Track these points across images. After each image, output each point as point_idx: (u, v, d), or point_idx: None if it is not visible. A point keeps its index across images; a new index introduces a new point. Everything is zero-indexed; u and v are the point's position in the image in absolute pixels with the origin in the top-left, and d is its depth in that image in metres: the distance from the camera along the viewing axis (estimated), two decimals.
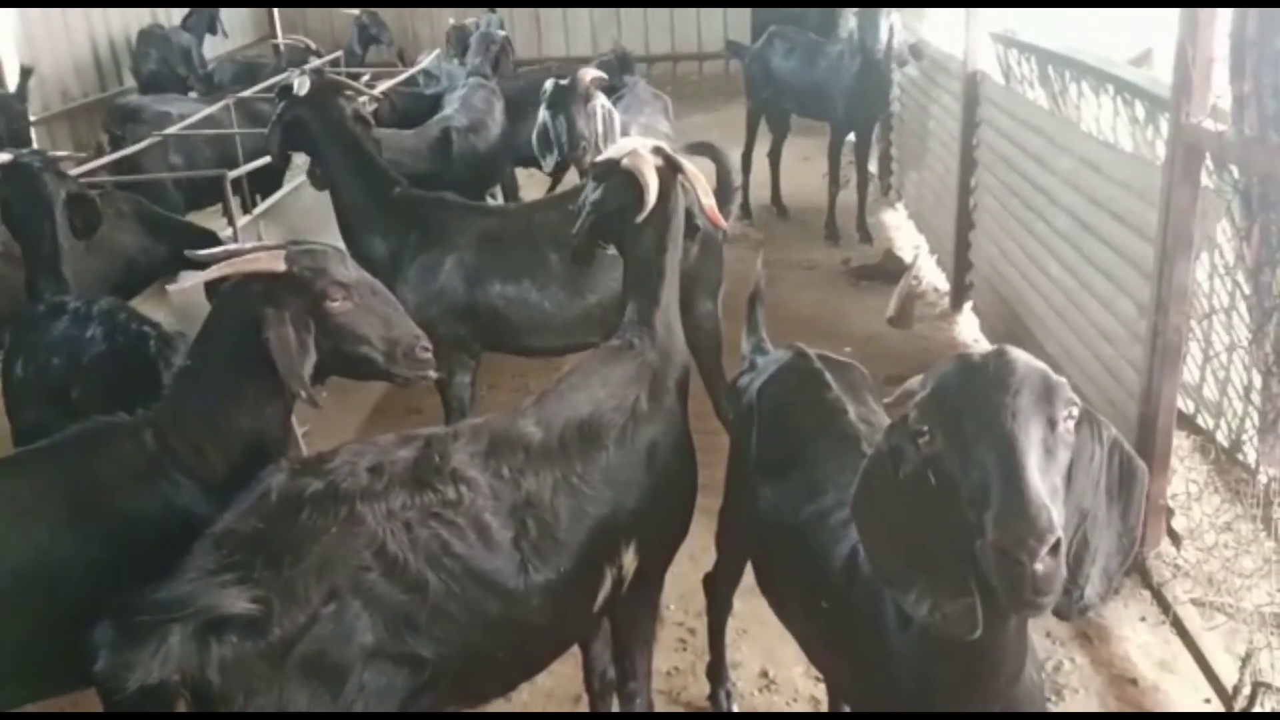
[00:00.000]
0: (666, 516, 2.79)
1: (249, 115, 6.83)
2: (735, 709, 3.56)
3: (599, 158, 3.13)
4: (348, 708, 2.16)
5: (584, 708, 3.51)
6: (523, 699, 3.62)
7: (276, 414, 2.60)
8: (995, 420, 1.70)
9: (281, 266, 2.47)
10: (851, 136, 8.22)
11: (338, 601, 2.13)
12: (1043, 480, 1.65)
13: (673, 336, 2.89)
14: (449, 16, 10.07)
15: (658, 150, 2.97)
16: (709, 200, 2.96)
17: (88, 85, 10.48)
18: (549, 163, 5.06)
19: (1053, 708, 3.58)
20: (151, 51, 9.55)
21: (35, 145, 8.78)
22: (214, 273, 2.47)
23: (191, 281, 2.56)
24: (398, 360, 2.63)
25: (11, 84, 8.66)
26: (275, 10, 13.85)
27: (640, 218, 2.88)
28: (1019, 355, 1.80)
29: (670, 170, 2.92)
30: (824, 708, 3.55)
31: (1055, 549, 1.61)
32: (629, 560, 2.64)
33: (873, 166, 8.70)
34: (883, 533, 1.92)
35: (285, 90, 4.33)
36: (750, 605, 3.82)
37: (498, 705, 2.92)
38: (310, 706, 2.12)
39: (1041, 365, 1.79)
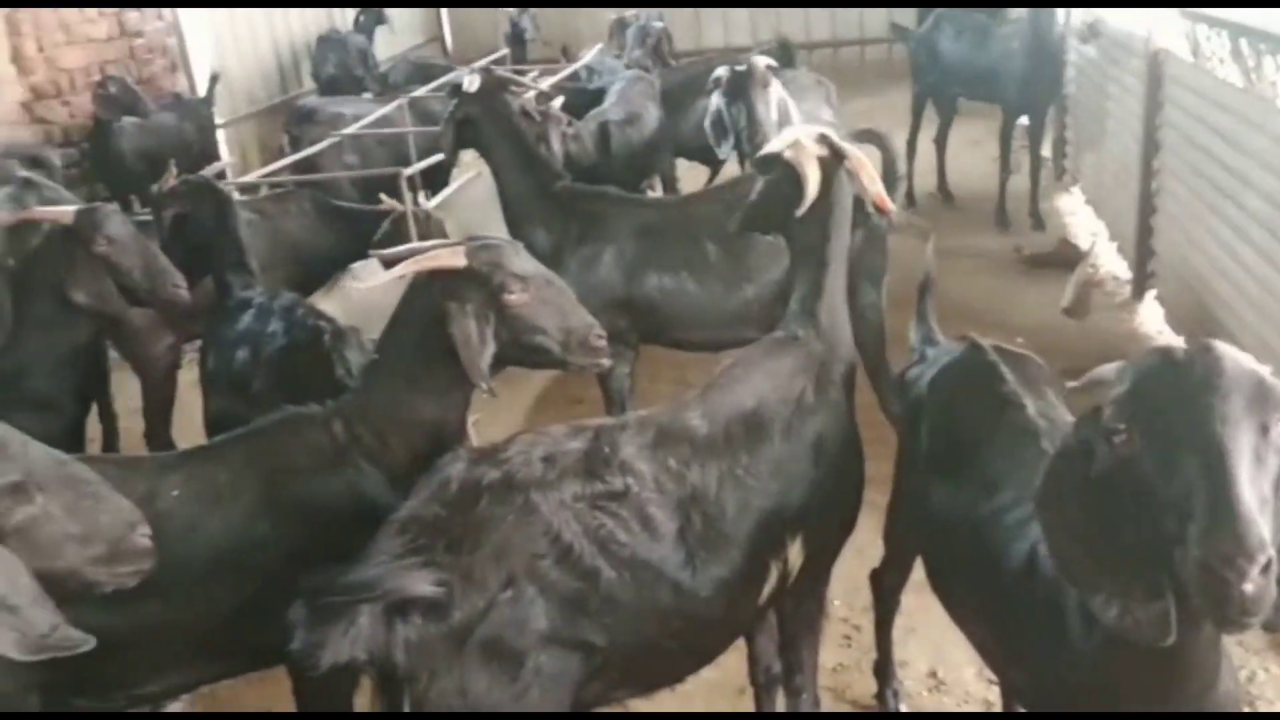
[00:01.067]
0: (833, 510, 2.75)
1: (420, 114, 7.07)
2: (903, 709, 3.49)
3: (763, 150, 3.10)
4: (525, 690, 2.22)
5: (748, 701, 3.51)
6: (686, 689, 3.63)
7: (456, 405, 2.69)
8: (1203, 425, 1.60)
9: (462, 262, 2.55)
10: (1024, 120, 7.94)
11: (514, 588, 2.20)
12: (1253, 492, 1.55)
13: (838, 328, 2.85)
14: (610, 12, 10.17)
15: (822, 138, 2.93)
16: (876, 187, 2.90)
17: (271, 89, 11.03)
18: (724, 150, 5.05)
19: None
20: (330, 56, 9.99)
21: (223, 147, 9.37)
22: (398, 271, 2.56)
23: (378, 279, 2.66)
24: (573, 349, 2.66)
25: (202, 89, 9.22)
26: (443, 10, 14.28)
27: (800, 211, 2.85)
28: (1227, 352, 1.69)
29: (834, 159, 2.87)
30: (996, 709, 3.45)
31: (1267, 568, 1.52)
32: (795, 554, 2.62)
33: (1046, 150, 8.37)
34: (1070, 531, 1.84)
35: (456, 88, 4.47)
36: (919, 602, 3.74)
37: None
38: (489, 689, 2.19)
39: (1252, 364, 1.68)
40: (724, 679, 3.62)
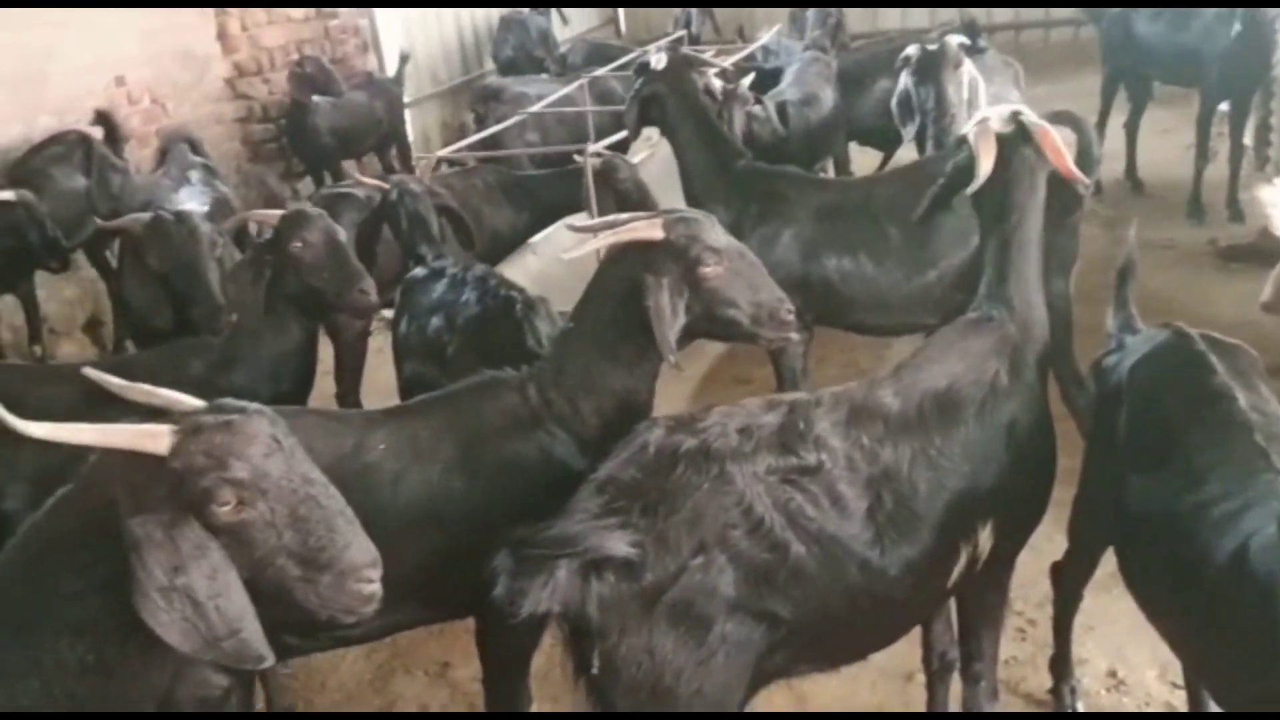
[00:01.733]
0: (1025, 496, 2.70)
1: (600, 94, 7.19)
2: (1080, 708, 3.40)
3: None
4: (710, 656, 2.27)
5: (917, 686, 3.48)
6: (852, 672, 3.63)
7: (647, 375, 2.75)
8: None
9: (660, 234, 2.61)
10: (1224, 105, 7.51)
11: (705, 555, 2.25)
12: None
13: (1032, 310, 2.78)
14: None
15: (1013, 116, 2.87)
16: (1064, 161, 2.81)
17: (453, 70, 11.38)
18: (908, 132, 4.98)
19: None
20: (510, 36, 10.25)
21: (409, 124, 9.74)
22: (597, 242, 2.63)
23: (580, 250, 2.75)
24: (763, 322, 2.69)
25: (391, 69, 9.60)
26: None
27: (970, 189, 2.81)
28: None
29: (1019, 136, 2.80)
30: (1180, 710, 3.33)
31: None
32: (984, 538, 2.58)
33: (1248, 138, 7.90)
34: None
35: (643, 66, 4.55)
36: (1099, 601, 3.64)
37: None
38: (675, 651, 2.25)
39: None
40: (891, 664, 3.60)
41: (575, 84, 7.03)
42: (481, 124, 6.94)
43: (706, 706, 2.31)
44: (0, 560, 2.02)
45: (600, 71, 7.31)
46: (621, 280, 2.66)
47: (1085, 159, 4.12)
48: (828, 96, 6.71)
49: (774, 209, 4.35)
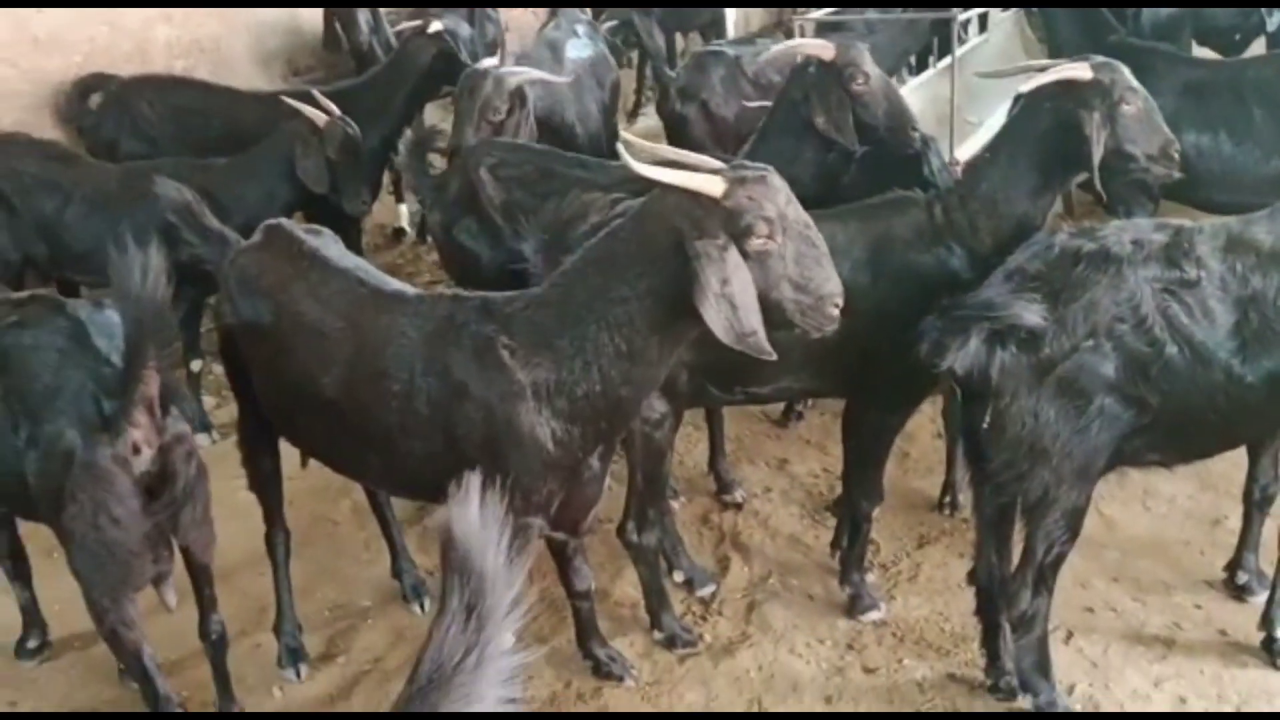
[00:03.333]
0: None
1: None
2: None
3: None
4: (1086, 426, 2.75)
5: (1225, 530, 3.83)
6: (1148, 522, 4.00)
7: (1045, 206, 3.19)
8: None
9: (1089, 75, 3.03)
10: None
11: (1095, 339, 2.71)
12: None
13: None
14: None
15: None
16: None
17: None
18: (1273, 22, 5.06)
19: None
20: None
21: None
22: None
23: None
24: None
25: None
26: None
27: None
28: None
29: None
30: None
31: None
32: None
33: None
34: None
35: None
36: None
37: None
38: (1057, 417, 2.75)
39: None
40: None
41: None
42: None
43: (1073, 469, 2.81)
44: (565, 273, 2.74)
45: None
46: (1046, 118, 3.09)
47: None
48: None
49: (1142, 81, 4.55)
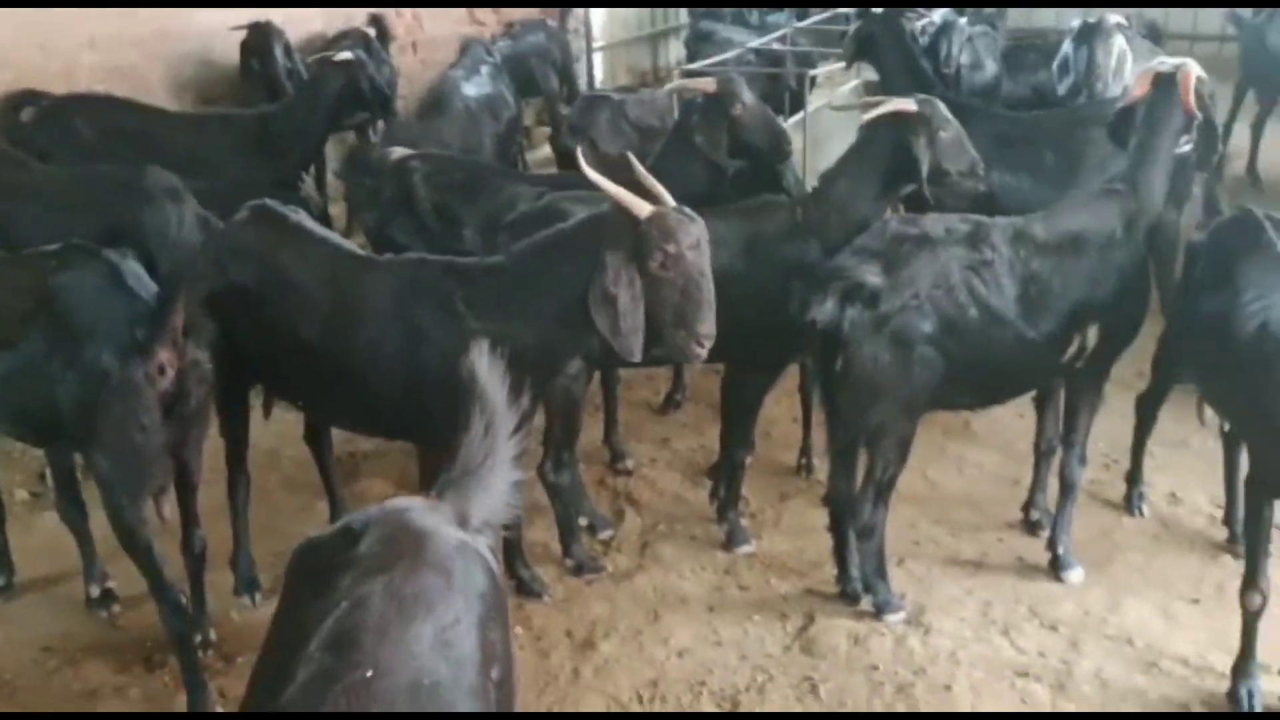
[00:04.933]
0: (1121, 315, 3.92)
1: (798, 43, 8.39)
2: (1146, 511, 4.62)
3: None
4: (910, 367, 3.61)
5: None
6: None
7: (881, 209, 4.06)
8: None
9: (913, 108, 3.93)
10: None
11: (917, 300, 3.58)
12: None
13: (1151, 195, 3.95)
14: None
15: (1172, 65, 4.07)
16: (1189, 100, 3.98)
17: (643, 22, 12.74)
18: (1062, 87, 6.18)
19: None
20: None
21: (599, 69, 11.14)
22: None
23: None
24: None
25: (595, 18, 10.99)
26: None
27: (1123, 102, 4.08)
28: None
29: (1170, 77, 4.01)
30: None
31: None
32: (1091, 336, 3.86)
33: None
34: None
35: (863, 10, 5.84)
36: (1166, 450, 4.90)
37: None
38: (891, 361, 3.59)
39: None
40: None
41: (780, 32, 8.27)
42: (692, 60, 8.25)
43: (902, 404, 3.67)
44: (521, 250, 3.45)
45: (803, 23, 8.53)
46: (883, 141, 4.00)
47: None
48: (990, 66, 7.89)
49: None
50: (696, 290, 3.14)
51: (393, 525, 2.03)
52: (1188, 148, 4.20)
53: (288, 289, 3.62)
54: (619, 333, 3.12)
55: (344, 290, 3.57)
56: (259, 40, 7.11)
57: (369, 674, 1.75)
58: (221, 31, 7.24)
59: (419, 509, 2.11)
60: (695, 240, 3.12)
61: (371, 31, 8.43)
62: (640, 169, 3.42)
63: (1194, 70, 4.06)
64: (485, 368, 2.39)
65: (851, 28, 5.99)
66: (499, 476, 2.31)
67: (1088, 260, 3.84)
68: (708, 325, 3.15)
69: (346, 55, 6.52)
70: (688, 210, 3.21)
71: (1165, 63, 4.17)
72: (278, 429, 5.40)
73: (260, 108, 6.60)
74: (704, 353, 3.24)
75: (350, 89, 6.41)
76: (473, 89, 7.04)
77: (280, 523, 4.68)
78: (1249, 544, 3.50)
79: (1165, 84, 4.02)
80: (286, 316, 3.61)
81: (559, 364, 3.62)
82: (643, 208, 3.12)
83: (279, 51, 7.11)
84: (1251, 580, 3.46)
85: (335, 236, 3.88)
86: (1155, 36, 8.53)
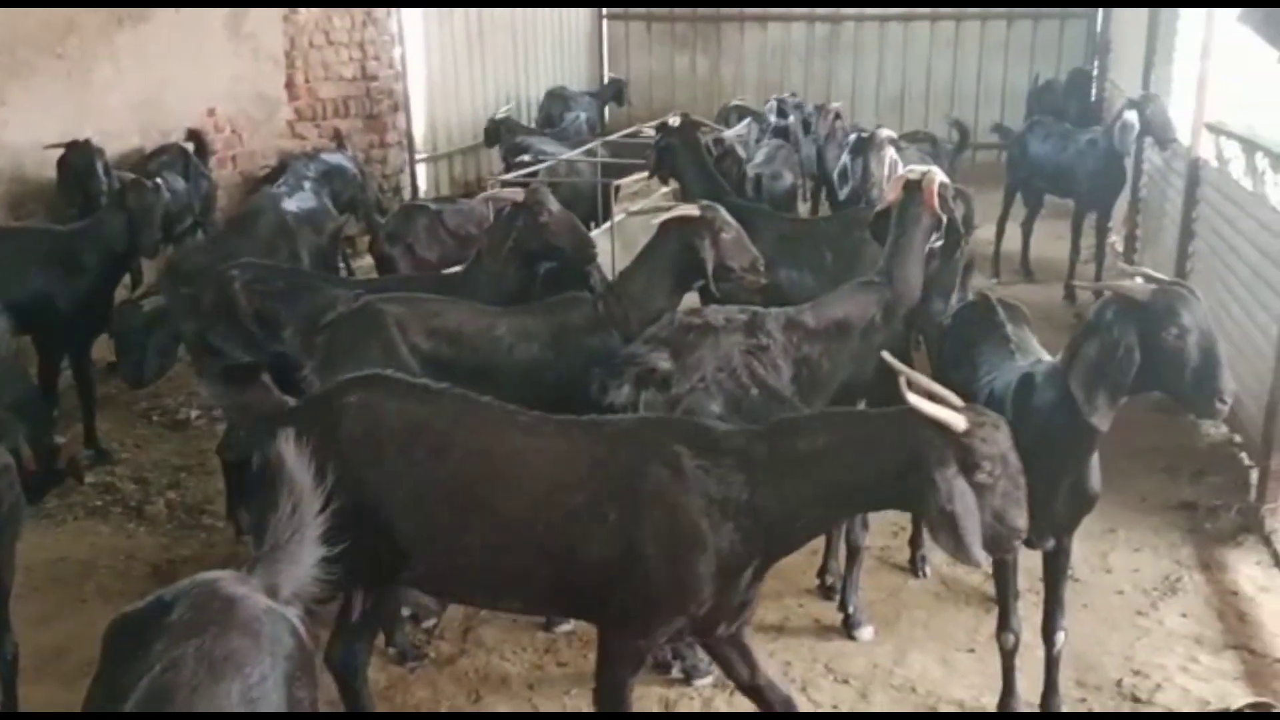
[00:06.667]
0: (886, 393, 4.36)
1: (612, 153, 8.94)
2: (928, 572, 5.09)
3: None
4: None
5: None
6: None
7: (674, 302, 4.47)
8: None
9: (697, 212, 4.38)
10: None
11: (704, 383, 3.95)
12: None
13: (907, 287, 4.47)
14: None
15: (919, 173, 4.65)
16: (933, 200, 4.54)
17: (465, 135, 13.21)
18: (843, 193, 6.85)
19: (1166, 601, 4.89)
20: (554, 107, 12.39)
21: (422, 178, 11.56)
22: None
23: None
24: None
25: (418, 129, 11.42)
26: None
27: (879, 206, 4.63)
28: None
29: (916, 183, 4.58)
30: None
31: None
32: (861, 406, 4.32)
33: (1116, 240, 9.93)
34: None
35: (663, 124, 6.38)
36: None
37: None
38: None
39: None
40: None
41: (591, 144, 8.82)
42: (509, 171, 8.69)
43: None
44: (792, 424, 3.33)
45: (613, 136, 9.12)
46: (673, 242, 4.44)
47: (966, 221, 5.95)
48: (788, 177, 8.62)
49: (748, 232, 6.09)
50: (1016, 489, 3.07)
51: (203, 594, 2.20)
52: (939, 244, 4.77)
53: (449, 463, 3.23)
54: (963, 547, 2.98)
55: (532, 454, 3.27)
56: (79, 157, 7.14)
57: None
58: (34, 149, 7.26)
59: (228, 579, 2.28)
60: (1009, 440, 3.08)
61: (190, 146, 8.59)
62: (925, 381, 3.24)
63: (938, 176, 4.65)
64: (291, 452, 2.59)
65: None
66: (306, 552, 2.50)
67: (851, 343, 4.31)
68: (1024, 519, 3.11)
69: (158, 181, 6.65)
70: (989, 413, 3.16)
71: (914, 170, 4.75)
72: (93, 540, 5.40)
73: (74, 224, 6.60)
74: (1017, 548, 3.30)
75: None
76: (294, 204, 7.24)
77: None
78: (999, 588, 3.95)
79: (912, 189, 4.58)
80: (451, 493, 3.22)
81: (799, 542, 3.47)
82: (959, 420, 3.02)
83: (99, 168, 7.15)
84: (1004, 622, 3.91)
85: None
86: (964, 133, 9.59)
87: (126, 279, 6.94)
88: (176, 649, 2.05)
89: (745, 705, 4.12)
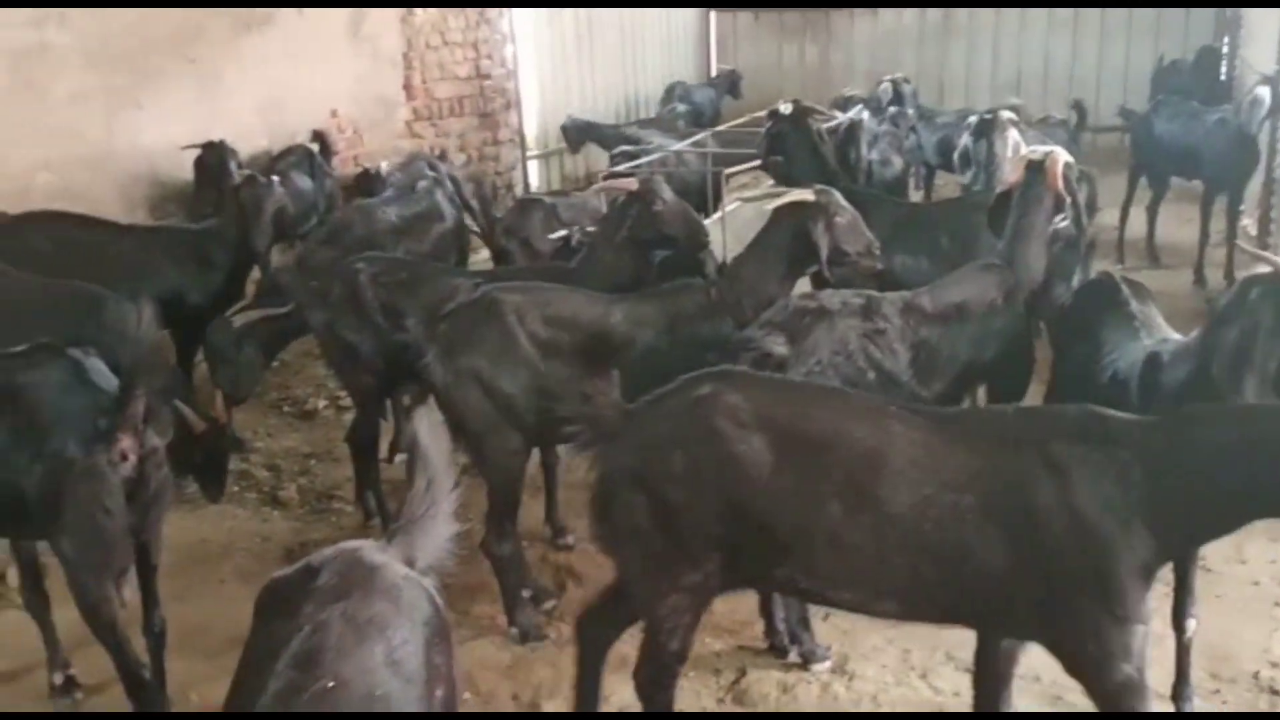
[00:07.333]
0: (1007, 375, 4.35)
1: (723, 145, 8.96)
2: None
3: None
4: None
5: None
6: None
7: (786, 288, 4.48)
8: None
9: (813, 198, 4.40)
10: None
11: (820, 367, 3.96)
12: None
13: (1028, 269, 4.41)
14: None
15: (1042, 153, 4.57)
16: (1057, 181, 4.46)
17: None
18: (966, 178, 6.75)
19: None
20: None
21: (534, 175, 11.77)
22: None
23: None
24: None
25: (529, 127, 11.65)
26: None
27: (1000, 188, 4.54)
28: None
29: (1039, 163, 4.50)
30: None
31: None
32: (980, 394, 4.26)
33: (1250, 224, 9.52)
34: None
35: (774, 111, 6.38)
36: None
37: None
38: None
39: None
40: None
41: (703, 134, 8.85)
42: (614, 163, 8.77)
43: None
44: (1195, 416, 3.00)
45: (724, 126, 9.14)
46: (786, 228, 4.44)
47: (1090, 203, 5.83)
48: (897, 162, 8.53)
49: (865, 219, 6.05)
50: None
51: (347, 561, 2.31)
52: (1063, 225, 4.67)
53: (827, 455, 3.06)
54: None
55: (922, 449, 3.03)
56: (213, 158, 7.48)
57: (330, 685, 2.02)
58: (170, 150, 7.63)
59: (369, 548, 2.39)
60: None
61: (315, 146, 8.90)
62: None
63: (1061, 157, 4.56)
64: (426, 431, 2.70)
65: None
66: (440, 525, 2.61)
67: (971, 327, 4.26)
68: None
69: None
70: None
71: (1037, 150, 4.67)
72: (230, 524, 5.66)
73: (204, 222, 6.90)
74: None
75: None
76: (395, 209, 7.36)
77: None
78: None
79: (1035, 169, 4.50)
80: (832, 487, 3.03)
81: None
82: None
83: (232, 168, 7.47)
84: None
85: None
86: (1082, 113, 9.35)
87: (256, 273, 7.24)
88: (323, 612, 2.16)
89: (863, 692, 4.13)
